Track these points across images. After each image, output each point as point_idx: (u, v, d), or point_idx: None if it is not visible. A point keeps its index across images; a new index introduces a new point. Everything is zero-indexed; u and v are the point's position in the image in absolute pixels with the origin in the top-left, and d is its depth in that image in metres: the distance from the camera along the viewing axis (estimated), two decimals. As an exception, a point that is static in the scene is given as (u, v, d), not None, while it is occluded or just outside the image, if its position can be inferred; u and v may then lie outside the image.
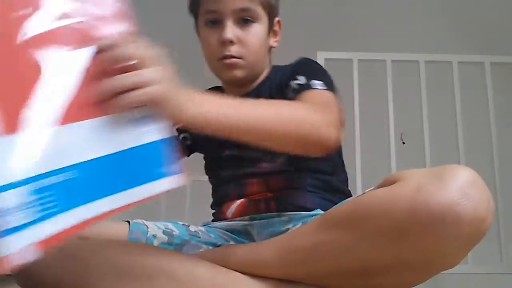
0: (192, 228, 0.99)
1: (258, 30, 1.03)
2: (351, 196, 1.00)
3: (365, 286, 0.75)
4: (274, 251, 0.78)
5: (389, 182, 0.72)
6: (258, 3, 1.02)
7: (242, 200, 1.00)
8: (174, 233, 0.94)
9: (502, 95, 2.35)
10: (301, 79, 0.96)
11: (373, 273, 0.71)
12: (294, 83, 0.97)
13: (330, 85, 0.96)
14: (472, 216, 0.63)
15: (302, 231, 0.79)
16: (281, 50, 2.99)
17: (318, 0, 2.85)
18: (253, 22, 1.02)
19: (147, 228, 0.94)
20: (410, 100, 2.27)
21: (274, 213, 0.96)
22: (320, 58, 2.18)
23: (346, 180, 1.09)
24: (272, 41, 1.10)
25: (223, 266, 0.79)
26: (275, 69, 1.11)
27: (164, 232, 0.92)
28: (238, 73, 1.02)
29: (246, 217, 0.98)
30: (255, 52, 1.03)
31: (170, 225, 0.98)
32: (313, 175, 0.99)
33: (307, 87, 0.94)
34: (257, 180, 0.99)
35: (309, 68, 1.02)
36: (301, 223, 0.90)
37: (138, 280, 0.74)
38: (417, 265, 0.69)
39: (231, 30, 0.99)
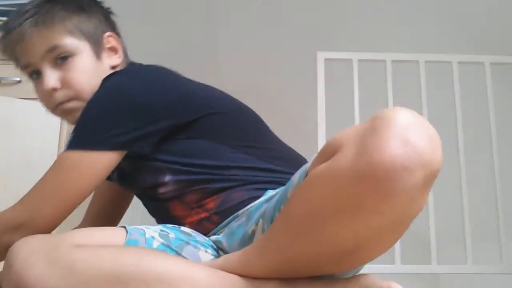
0: (184, 229, 0.96)
1: (78, 62, 0.95)
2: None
3: (354, 261, 0.73)
4: (259, 257, 0.76)
5: (328, 151, 0.69)
6: (65, 34, 0.94)
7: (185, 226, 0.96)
8: (170, 235, 0.92)
9: (502, 95, 2.35)
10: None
11: (354, 249, 0.69)
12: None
13: (82, 136, 0.87)
14: (419, 162, 0.60)
15: (274, 227, 0.75)
16: (281, 50, 3.01)
17: (318, 0, 2.85)
18: (69, 56, 0.94)
19: (144, 231, 0.91)
20: (410, 100, 2.27)
21: (224, 223, 0.92)
22: (320, 58, 2.18)
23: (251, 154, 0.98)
24: (112, 60, 1.01)
25: None
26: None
27: (160, 235, 0.90)
28: (78, 114, 0.93)
29: (207, 238, 0.94)
30: (85, 84, 0.94)
31: (162, 228, 0.95)
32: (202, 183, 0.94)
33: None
34: (176, 203, 0.96)
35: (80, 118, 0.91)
36: (258, 213, 0.86)
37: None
38: (389, 227, 0.66)
39: (51, 77, 0.94)
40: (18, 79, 1.56)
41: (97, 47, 0.98)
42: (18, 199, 0.97)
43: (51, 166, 0.86)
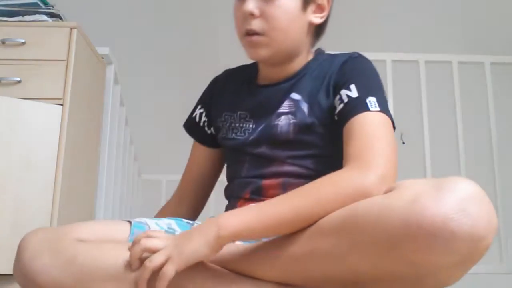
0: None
1: (283, 1, 0.92)
2: None
3: None
4: (268, 256, 0.77)
5: (387, 190, 0.70)
6: None
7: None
8: (176, 232, 0.92)
9: (502, 95, 2.35)
10: (354, 91, 0.89)
11: (364, 283, 0.70)
12: (345, 93, 0.90)
13: (383, 103, 0.89)
14: (468, 233, 0.59)
15: (295, 238, 0.75)
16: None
17: (318, 0, 2.85)
18: None
19: (149, 227, 0.92)
20: (410, 100, 2.27)
21: None
22: (320, 58, 2.18)
23: None
24: (314, 17, 0.97)
25: (221, 267, 0.79)
26: (320, 56, 1.01)
27: (166, 232, 0.90)
28: (262, 52, 0.94)
29: None
30: (281, 27, 0.92)
31: (173, 224, 0.95)
32: None
33: (360, 107, 0.87)
34: (275, 182, 0.94)
35: (364, 78, 0.93)
36: None
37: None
38: (408, 279, 0.66)
39: (252, 1, 0.92)
40: (18, 79, 1.56)
41: None
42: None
43: (376, 126, 0.87)
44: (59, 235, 0.81)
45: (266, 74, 1.02)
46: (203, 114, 1.11)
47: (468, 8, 2.80)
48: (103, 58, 1.95)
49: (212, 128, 1.09)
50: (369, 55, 2.52)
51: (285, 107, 0.96)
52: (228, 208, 1.01)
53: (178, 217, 1.00)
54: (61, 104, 1.56)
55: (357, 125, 0.86)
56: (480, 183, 0.66)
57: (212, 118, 1.08)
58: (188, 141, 1.17)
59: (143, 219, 0.94)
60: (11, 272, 1.46)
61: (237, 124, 1.01)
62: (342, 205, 0.72)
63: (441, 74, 2.30)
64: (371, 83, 0.93)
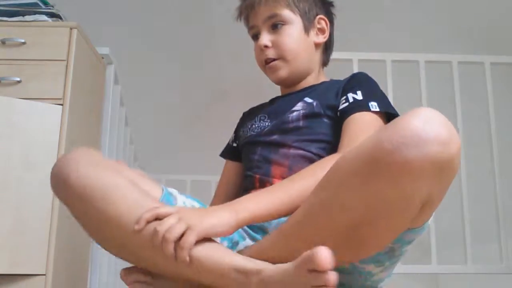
0: None
1: (290, 30, 1.16)
2: None
3: (364, 244, 0.76)
4: (275, 232, 0.84)
5: None
6: (284, 7, 1.16)
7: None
8: None
9: (502, 95, 2.35)
10: (359, 95, 1.06)
11: (362, 223, 0.73)
12: (351, 96, 1.06)
13: (387, 106, 1.06)
14: (434, 137, 0.66)
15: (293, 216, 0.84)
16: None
17: (318, 0, 2.85)
18: (284, 24, 1.16)
19: (176, 201, 0.97)
20: (410, 100, 2.27)
21: None
22: (320, 58, 2.18)
23: None
24: (317, 38, 1.21)
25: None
26: (333, 80, 1.21)
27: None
28: (281, 73, 1.17)
29: None
30: (292, 49, 1.16)
31: (196, 205, 1.01)
32: None
33: (362, 107, 1.03)
34: (283, 165, 1.07)
35: (370, 87, 1.10)
36: None
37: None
38: (398, 204, 0.70)
39: (265, 37, 1.16)
40: (18, 79, 1.56)
41: (308, 24, 1.19)
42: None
43: (371, 123, 1.04)
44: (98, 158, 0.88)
45: (285, 92, 1.24)
46: (233, 136, 1.31)
47: (468, 8, 2.80)
48: (103, 58, 1.95)
49: (237, 141, 1.26)
50: (369, 55, 2.52)
51: (298, 107, 1.13)
52: None
53: None
54: (61, 104, 1.56)
55: (354, 120, 1.02)
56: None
57: (237, 133, 1.28)
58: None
59: (174, 191, 0.99)
60: (11, 272, 1.46)
61: (256, 124, 1.19)
62: None
63: (441, 74, 2.30)
64: (376, 91, 1.10)
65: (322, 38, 1.21)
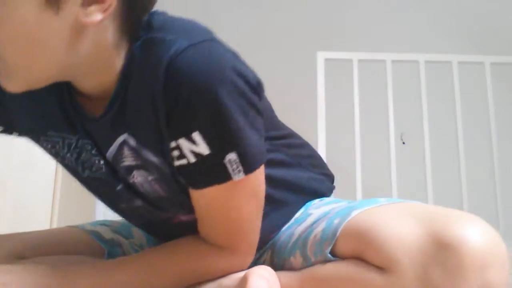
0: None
1: (4, 10, 0.56)
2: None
3: None
4: None
5: (369, 252, 0.60)
6: None
7: None
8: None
9: (502, 95, 2.35)
10: (201, 144, 0.60)
11: None
12: (187, 147, 0.61)
13: (251, 151, 0.62)
14: None
15: None
16: (281, 50, 3.02)
17: (319, 0, 2.85)
18: None
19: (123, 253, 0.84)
20: (410, 100, 2.28)
21: None
22: (320, 58, 2.18)
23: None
24: (85, 14, 0.58)
25: None
26: (143, 53, 0.62)
27: None
28: (7, 85, 0.61)
29: None
30: (14, 46, 0.58)
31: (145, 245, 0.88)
32: None
33: (215, 174, 0.62)
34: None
35: (213, 115, 0.59)
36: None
37: None
38: None
39: None
40: (18, 79, 1.56)
41: None
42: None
43: (241, 206, 0.68)
44: None
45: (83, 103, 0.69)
46: None
47: (468, 8, 2.80)
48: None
49: None
50: (369, 55, 2.52)
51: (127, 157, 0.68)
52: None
53: None
54: (61, 104, 1.56)
55: (213, 203, 0.65)
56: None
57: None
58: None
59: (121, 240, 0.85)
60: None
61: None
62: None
63: (441, 74, 2.30)
64: (225, 121, 0.60)
65: (99, 14, 0.58)
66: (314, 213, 0.76)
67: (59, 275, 0.64)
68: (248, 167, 0.62)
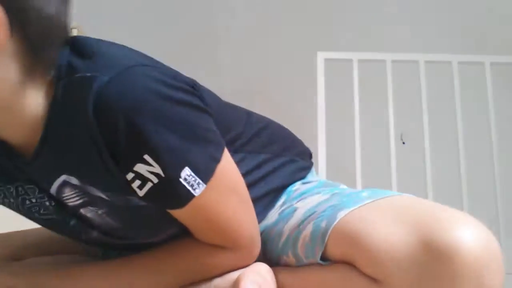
0: None
1: None
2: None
3: None
4: None
5: (361, 260, 0.60)
6: None
7: None
8: None
9: (502, 95, 2.34)
10: (156, 167, 0.59)
11: None
12: (144, 169, 0.59)
13: (206, 161, 0.62)
14: None
15: None
16: (281, 50, 3.01)
17: (319, 0, 2.85)
18: None
19: None
20: (410, 100, 2.27)
21: None
22: (320, 58, 2.18)
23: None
24: None
25: None
26: (63, 112, 0.61)
27: None
28: None
29: None
30: None
31: None
32: None
33: (176, 197, 0.61)
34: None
35: (156, 137, 0.58)
36: None
37: None
38: None
39: None
40: (18, 79, 1.55)
41: None
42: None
43: (214, 210, 0.69)
44: None
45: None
46: None
47: (468, 8, 2.80)
48: (103, 58, 1.94)
49: None
50: (369, 55, 2.52)
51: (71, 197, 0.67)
52: None
53: None
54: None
55: (194, 217, 0.65)
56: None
57: None
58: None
59: None
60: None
61: None
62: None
63: (441, 74, 2.30)
64: (162, 143, 0.59)
65: None
66: (300, 208, 0.75)
67: (64, 276, 0.65)
68: (205, 176, 0.62)
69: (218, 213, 0.65)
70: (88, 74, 0.59)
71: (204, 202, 0.63)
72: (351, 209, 0.65)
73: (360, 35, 2.76)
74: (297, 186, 0.84)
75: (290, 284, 0.69)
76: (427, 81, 2.22)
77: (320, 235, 0.65)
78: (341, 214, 0.65)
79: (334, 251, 0.64)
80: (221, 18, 2.78)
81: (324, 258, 0.66)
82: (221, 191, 0.65)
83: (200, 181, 0.62)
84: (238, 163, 0.72)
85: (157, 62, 0.68)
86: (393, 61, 2.21)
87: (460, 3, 2.81)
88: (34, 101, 0.60)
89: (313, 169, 0.92)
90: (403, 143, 2.58)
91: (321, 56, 2.18)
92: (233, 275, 0.68)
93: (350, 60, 2.19)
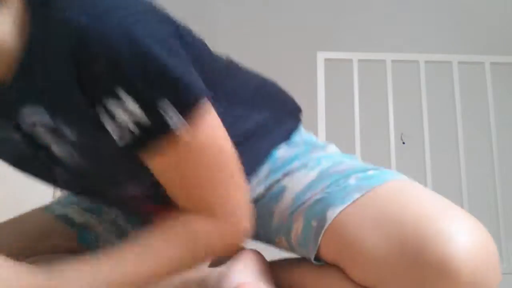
0: None
1: None
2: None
3: None
4: None
5: (348, 261, 0.61)
6: None
7: None
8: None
9: (502, 95, 2.35)
10: (129, 102, 0.54)
11: None
12: (120, 113, 0.55)
13: (185, 92, 0.55)
14: None
15: None
16: (281, 50, 3.01)
17: (318, 1, 2.86)
18: None
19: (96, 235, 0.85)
20: (410, 100, 2.27)
21: None
22: (320, 58, 2.18)
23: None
24: None
25: None
26: (43, 30, 0.56)
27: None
28: None
29: None
30: None
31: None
32: None
33: (155, 127, 0.55)
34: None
35: (135, 67, 0.54)
36: None
37: None
38: None
39: None
40: (18, 78, 1.55)
41: None
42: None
43: (199, 161, 0.62)
44: None
45: None
46: None
47: (468, 8, 2.80)
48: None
49: None
50: (369, 55, 2.52)
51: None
52: None
53: None
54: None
55: (171, 168, 0.59)
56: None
57: None
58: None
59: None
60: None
61: None
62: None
63: (441, 74, 2.30)
64: (152, 75, 0.54)
65: None
66: (289, 190, 0.72)
67: (53, 277, 0.60)
68: (186, 107, 0.55)
69: (200, 167, 0.59)
70: (67, 13, 0.54)
71: (186, 148, 0.57)
72: (340, 209, 0.63)
73: (360, 35, 2.76)
74: (281, 152, 0.77)
75: (287, 282, 0.70)
76: (427, 81, 2.22)
77: (312, 236, 0.65)
78: (330, 215, 0.63)
79: (326, 255, 0.65)
80: (221, 18, 2.78)
81: (317, 257, 0.66)
82: (203, 148, 0.59)
83: (179, 117, 0.55)
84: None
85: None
86: (393, 61, 2.21)
87: (460, 3, 2.81)
88: (3, 27, 0.55)
89: (301, 127, 0.86)
90: (403, 143, 2.58)
91: (321, 56, 2.18)
92: (206, 268, 0.68)
93: (350, 60, 2.20)
